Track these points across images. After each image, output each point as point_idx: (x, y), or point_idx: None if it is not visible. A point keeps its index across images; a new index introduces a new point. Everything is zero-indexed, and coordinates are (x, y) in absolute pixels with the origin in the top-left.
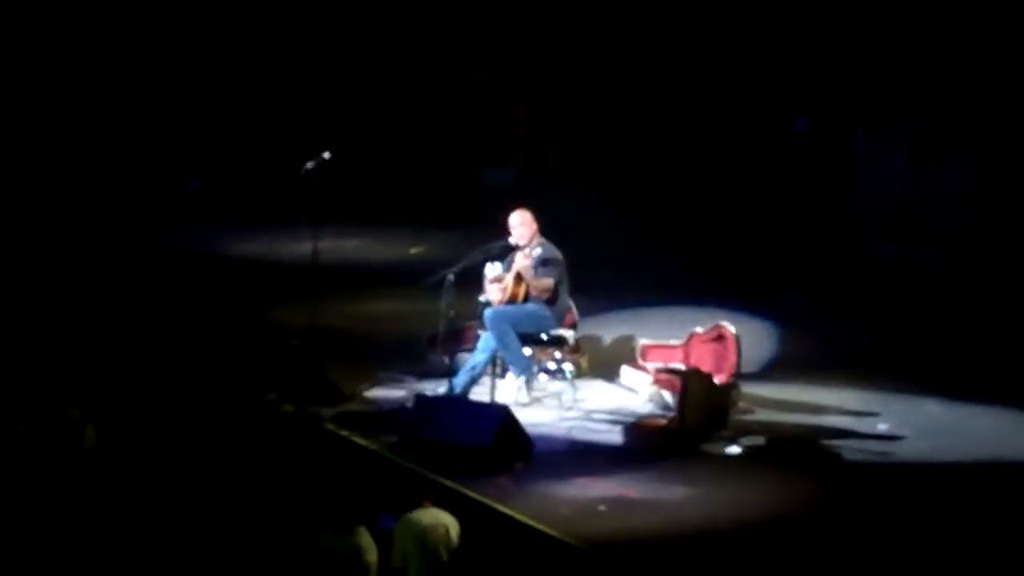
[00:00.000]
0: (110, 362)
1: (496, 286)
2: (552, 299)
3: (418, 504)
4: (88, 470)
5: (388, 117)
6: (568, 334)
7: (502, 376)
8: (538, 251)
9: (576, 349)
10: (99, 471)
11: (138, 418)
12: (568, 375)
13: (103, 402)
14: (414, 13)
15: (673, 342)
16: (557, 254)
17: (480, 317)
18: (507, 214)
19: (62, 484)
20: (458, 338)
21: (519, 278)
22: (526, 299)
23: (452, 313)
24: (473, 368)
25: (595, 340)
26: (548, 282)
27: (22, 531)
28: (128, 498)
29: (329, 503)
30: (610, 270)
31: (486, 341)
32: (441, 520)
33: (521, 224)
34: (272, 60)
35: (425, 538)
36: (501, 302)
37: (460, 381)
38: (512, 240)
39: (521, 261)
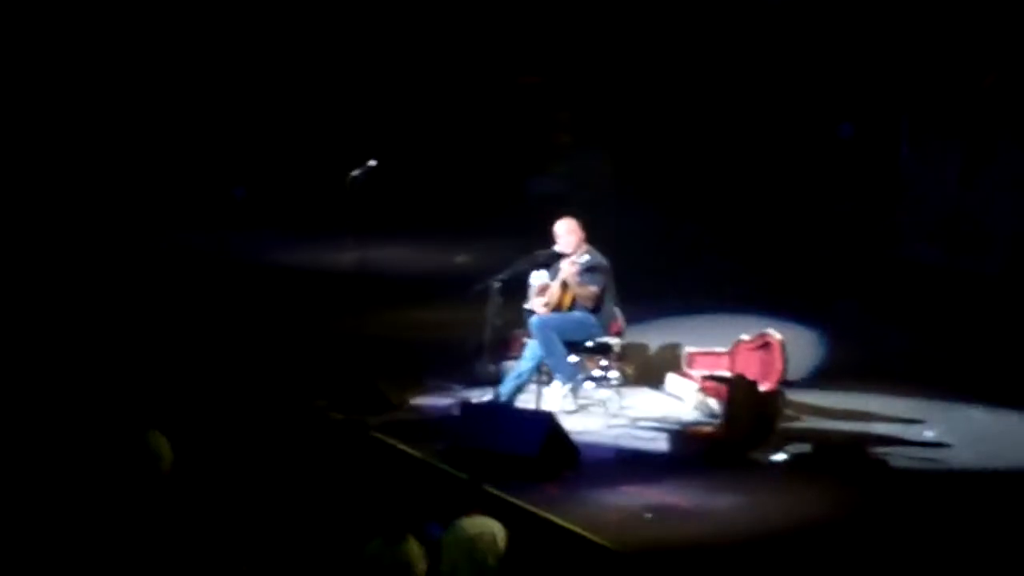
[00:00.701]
0: (170, 376)
1: (541, 297)
2: (597, 307)
3: (466, 512)
4: (166, 493)
5: (435, 125)
6: (614, 341)
7: (548, 384)
8: (584, 258)
9: (622, 357)
10: (175, 492)
11: (202, 433)
12: (614, 383)
13: (170, 419)
14: (462, 19)
15: (719, 350)
16: (603, 261)
17: (526, 325)
18: (553, 223)
19: (141, 508)
20: (504, 346)
21: (565, 286)
22: (572, 307)
23: (498, 321)
24: (519, 376)
25: (641, 348)
26: (593, 290)
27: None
28: (199, 515)
29: (377, 511)
30: (657, 278)
31: (532, 349)
32: (489, 528)
33: (568, 232)
34: (319, 67)
35: (473, 546)
36: (547, 310)
37: (506, 389)
38: (558, 248)
39: (567, 269)
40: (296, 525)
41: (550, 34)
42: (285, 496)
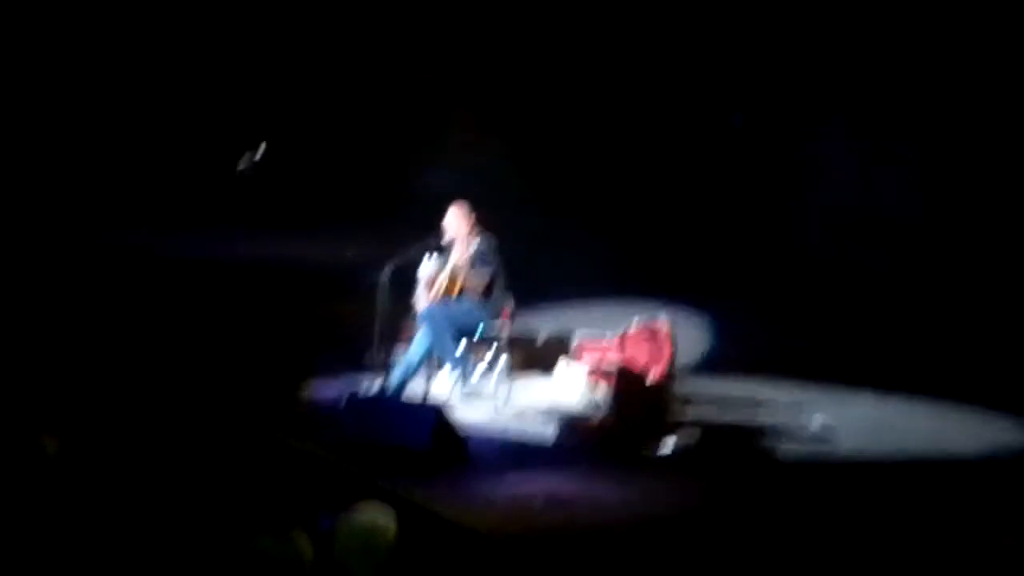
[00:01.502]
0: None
1: (427, 292)
2: (487, 293)
3: (356, 502)
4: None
5: (328, 116)
6: (502, 331)
7: (436, 374)
8: (474, 246)
9: (510, 346)
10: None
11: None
12: (502, 372)
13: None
14: (362, 14)
15: (608, 338)
16: (493, 247)
17: (414, 316)
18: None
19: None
20: (394, 336)
21: (455, 274)
22: (460, 294)
23: (388, 309)
24: (407, 367)
25: (530, 337)
26: (483, 280)
27: None
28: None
29: (266, 506)
30: (547, 267)
31: (420, 340)
32: (380, 516)
33: (458, 218)
34: (205, 53)
35: (365, 535)
36: (434, 299)
37: (394, 379)
38: (449, 235)
39: (457, 255)
40: (183, 520)
41: (446, 30)
42: (173, 491)
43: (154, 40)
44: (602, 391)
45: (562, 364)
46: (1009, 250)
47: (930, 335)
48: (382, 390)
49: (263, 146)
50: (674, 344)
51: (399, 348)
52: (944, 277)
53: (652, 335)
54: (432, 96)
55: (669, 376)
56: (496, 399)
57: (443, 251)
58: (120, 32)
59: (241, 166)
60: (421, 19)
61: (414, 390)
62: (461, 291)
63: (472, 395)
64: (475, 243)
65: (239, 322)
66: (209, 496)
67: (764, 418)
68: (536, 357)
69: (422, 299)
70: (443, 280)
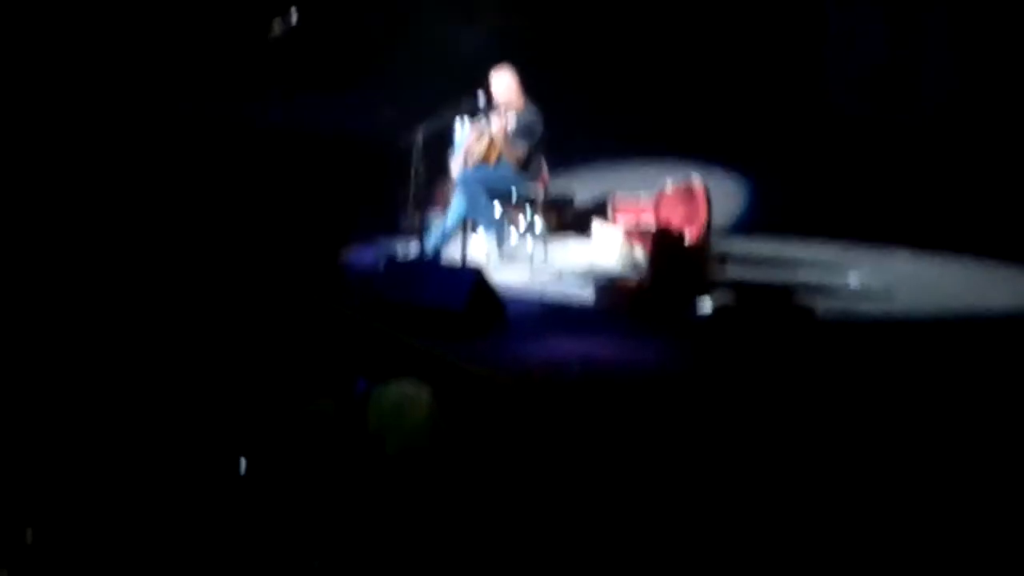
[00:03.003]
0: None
1: (463, 155)
2: (525, 163)
3: (394, 371)
4: None
5: None
6: (539, 193)
7: (473, 236)
8: (521, 117)
9: (548, 208)
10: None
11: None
12: (539, 234)
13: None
14: None
15: (644, 197)
16: (539, 120)
17: (450, 177)
18: (481, 76)
19: None
20: (430, 199)
21: (492, 141)
22: (498, 160)
23: (421, 173)
24: (444, 230)
25: (567, 198)
26: (523, 152)
27: None
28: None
29: (305, 369)
30: (582, 128)
31: (456, 203)
32: (414, 389)
33: (506, 86)
34: None
35: (401, 407)
36: (471, 164)
37: (432, 243)
38: (496, 99)
39: (498, 124)
40: (226, 386)
41: None
42: (214, 355)
43: None
44: (639, 252)
45: (598, 225)
46: None
47: (964, 192)
48: (420, 253)
49: (294, 11)
50: (710, 204)
51: (435, 212)
52: (977, 134)
53: (688, 195)
54: None
55: (706, 236)
56: (533, 261)
57: (477, 115)
58: None
59: (274, 31)
60: None
61: (451, 254)
62: (499, 159)
63: (509, 258)
64: (522, 113)
65: (274, 188)
66: (249, 360)
67: (801, 277)
68: (572, 219)
69: (457, 164)
70: (482, 147)
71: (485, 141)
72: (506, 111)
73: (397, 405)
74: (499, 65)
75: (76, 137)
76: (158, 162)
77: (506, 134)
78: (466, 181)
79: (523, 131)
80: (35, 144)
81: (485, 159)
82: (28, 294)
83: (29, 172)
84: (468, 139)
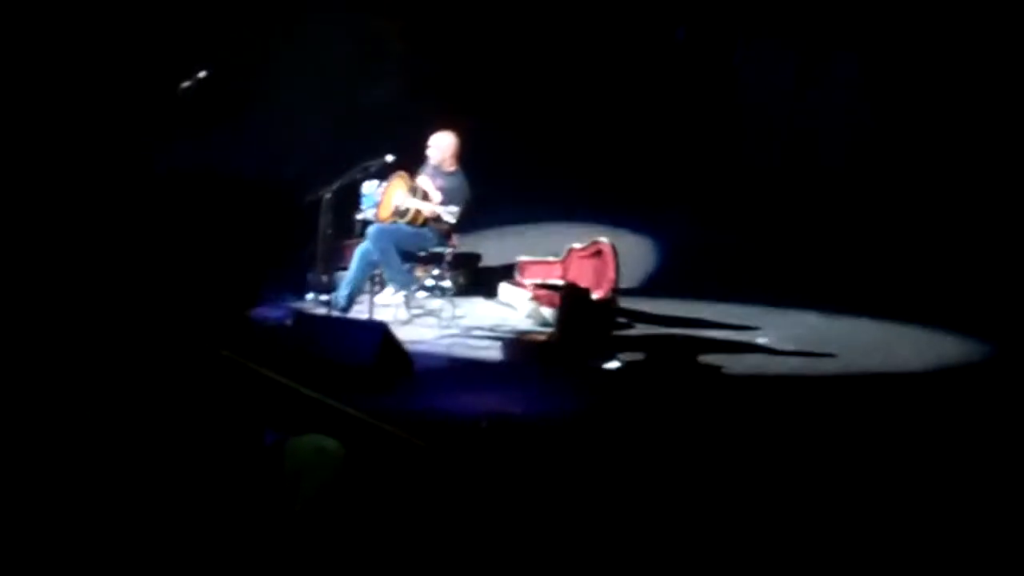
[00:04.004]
0: None
1: (378, 210)
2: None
3: (302, 424)
4: None
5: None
6: (447, 250)
7: (380, 292)
8: (447, 179)
9: (455, 266)
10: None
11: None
12: (447, 292)
13: None
14: None
15: (552, 258)
16: (466, 185)
17: (359, 235)
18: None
19: None
20: (337, 255)
21: (420, 211)
22: (424, 224)
23: (329, 230)
24: (351, 284)
25: (474, 256)
26: (452, 217)
27: None
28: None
29: (211, 423)
30: (489, 186)
31: (363, 257)
32: (327, 439)
33: (446, 147)
34: None
35: (313, 455)
36: (388, 219)
37: (341, 296)
38: (433, 159)
39: (430, 183)
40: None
41: None
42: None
43: None
44: (546, 310)
45: (506, 284)
46: (949, 163)
47: (869, 249)
48: (328, 308)
49: (204, 71)
50: (618, 264)
51: (342, 269)
52: (882, 188)
53: (596, 254)
54: (371, 12)
55: (614, 293)
56: (441, 318)
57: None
58: None
59: (184, 85)
60: None
61: (359, 309)
62: (424, 222)
63: (417, 314)
64: (453, 176)
65: (179, 238)
66: (155, 416)
67: (710, 335)
68: (481, 277)
69: (370, 213)
70: (408, 211)
71: (413, 209)
72: (434, 170)
73: (311, 454)
74: (444, 129)
75: None
76: (61, 207)
77: (436, 195)
78: (380, 236)
79: (454, 195)
80: None
81: (412, 221)
82: None
83: None
84: (396, 196)
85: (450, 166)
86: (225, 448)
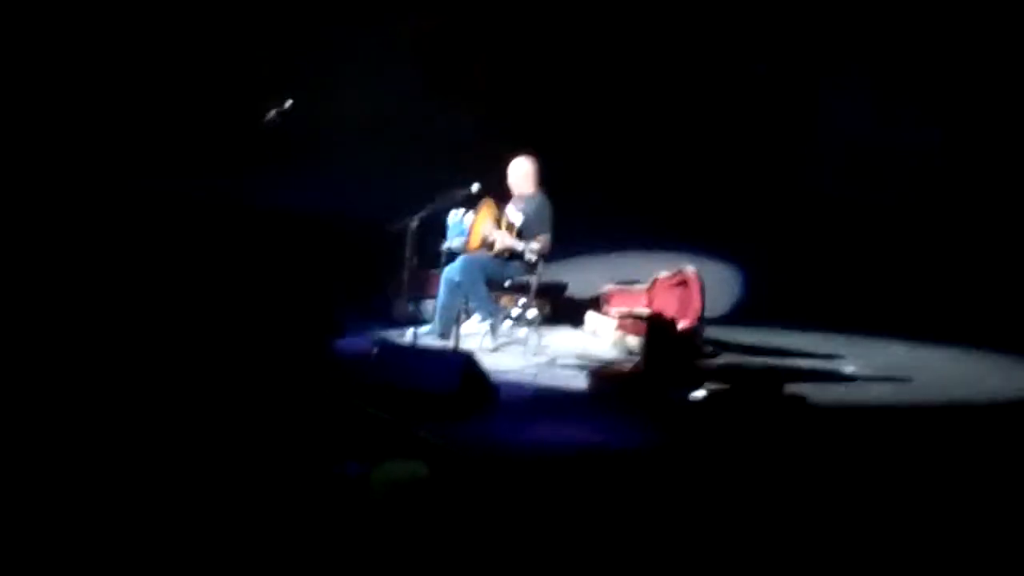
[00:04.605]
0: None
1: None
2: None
3: (387, 452)
4: None
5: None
6: (533, 280)
7: (466, 322)
8: (527, 203)
9: (541, 295)
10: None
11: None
12: (533, 321)
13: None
14: None
15: (637, 287)
16: (548, 207)
17: (444, 264)
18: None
19: None
20: (421, 285)
21: (507, 246)
22: (510, 257)
23: (414, 260)
24: (441, 313)
25: (560, 286)
26: (542, 245)
27: None
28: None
29: (296, 453)
30: (574, 215)
31: (451, 286)
32: (412, 465)
33: (524, 173)
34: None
35: (399, 487)
36: (476, 249)
37: (432, 327)
38: (515, 188)
39: (516, 216)
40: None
41: None
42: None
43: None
44: (632, 340)
45: (591, 315)
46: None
47: (957, 279)
48: (413, 338)
49: (289, 101)
50: (703, 293)
51: (428, 297)
52: (962, 220)
53: (681, 283)
54: (453, 40)
55: (699, 324)
56: (526, 347)
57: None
58: None
59: (269, 116)
60: None
61: (445, 338)
62: (511, 255)
63: (503, 343)
64: (534, 199)
65: (265, 271)
66: (241, 446)
67: (795, 365)
68: (566, 306)
69: (459, 243)
70: (492, 238)
71: (498, 242)
72: (518, 197)
73: (395, 482)
74: (521, 154)
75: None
76: (145, 240)
77: (519, 222)
78: (468, 265)
79: (535, 219)
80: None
81: (498, 254)
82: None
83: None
84: (484, 226)
85: (530, 190)
86: (307, 477)
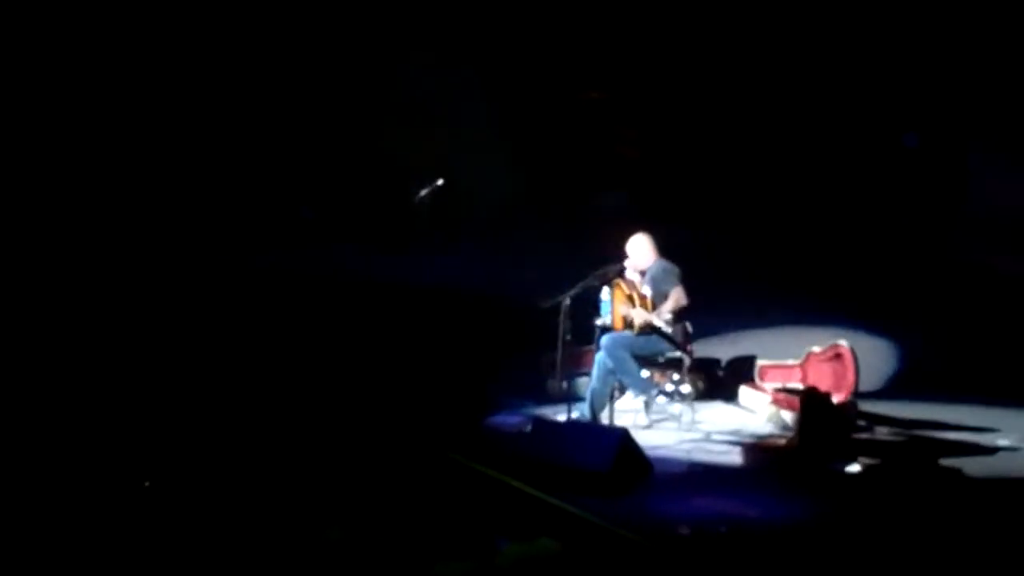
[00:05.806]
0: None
1: (618, 312)
2: (675, 317)
3: (537, 528)
4: None
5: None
6: (685, 355)
7: (620, 397)
8: (650, 271)
9: (693, 370)
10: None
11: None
12: (687, 396)
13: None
14: (526, 34)
15: (791, 362)
16: (671, 268)
17: (597, 341)
18: (620, 237)
19: None
20: (576, 362)
21: (645, 322)
22: (652, 332)
23: (568, 337)
24: (592, 393)
25: (712, 361)
26: (667, 325)
27: None
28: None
29: (446, 529)
30: (724, 291)
31: (601, 365)
32: (542, 543)
33: (640, 248)
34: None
35: (527, 560)
36: (620, 328)
37: (584, 406)
38: (631, 264)
39: (645, 290)
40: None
41: (613, 49)
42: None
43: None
44: (786, 414)
45: (745, 389)
46: None
47: None
48: (568, 415)
49: (441, 180)
50: (857, 367)
51: (582, 374)
52: None
53: (835, 357)
54: (598, 114)
55: (853, 397)
56: (681, 422)
57: (619, 278)
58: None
59: (421, 194)
60: (583, 39)
61: (599, 415)
62: (652, 330)
63: (657, 420)
64: (655, 265)
65: (420, 347)
66: (390, 520)
67: (950, 438)
68: (720, 382)
69: (608, 319)
70: (630, 316)
71: (640, 320)
72: (639, 271)
73: (530, 561)
74: (635, 231)
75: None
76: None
77: (646, 315)
78: (612, 344)
79: (659, 282)
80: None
81: (639, 331)
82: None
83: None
84: (621, 307)
85: (648, 263)
86: (454, 550)
